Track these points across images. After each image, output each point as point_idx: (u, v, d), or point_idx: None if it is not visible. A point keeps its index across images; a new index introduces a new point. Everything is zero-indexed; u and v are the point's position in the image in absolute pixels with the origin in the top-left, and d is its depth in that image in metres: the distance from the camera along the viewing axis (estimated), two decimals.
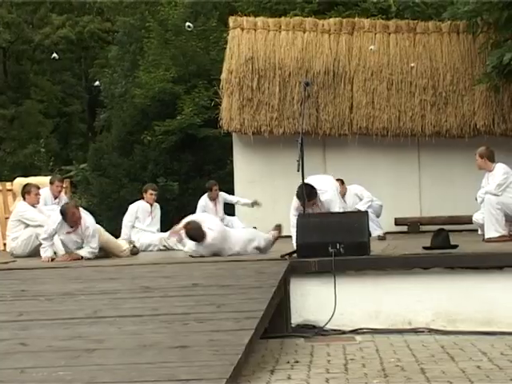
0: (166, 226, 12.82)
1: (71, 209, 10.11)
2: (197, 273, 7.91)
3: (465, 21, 15.82)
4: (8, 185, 14.69)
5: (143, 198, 12.75)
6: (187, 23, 16.05)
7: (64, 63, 35.38)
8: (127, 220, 12.54)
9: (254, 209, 14.04)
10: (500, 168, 10.65)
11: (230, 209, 14.79)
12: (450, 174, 15.66)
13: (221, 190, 14.34)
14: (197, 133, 20.99)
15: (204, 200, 13.99)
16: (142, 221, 12.42)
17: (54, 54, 17.15)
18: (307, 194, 9.75)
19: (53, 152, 33.45)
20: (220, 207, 14.00)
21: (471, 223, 14.92)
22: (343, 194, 13.11)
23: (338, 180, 13.33)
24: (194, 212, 14.26)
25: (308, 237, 8.40)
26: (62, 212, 10.04)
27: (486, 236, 10.41)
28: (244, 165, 15.88)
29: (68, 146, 35.88)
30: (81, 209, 10.45)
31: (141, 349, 4.74)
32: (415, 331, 7.78)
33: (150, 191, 12.78)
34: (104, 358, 4.54)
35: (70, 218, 10.01)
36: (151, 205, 12.70)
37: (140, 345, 4.83)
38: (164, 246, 12.16)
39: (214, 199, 13.95)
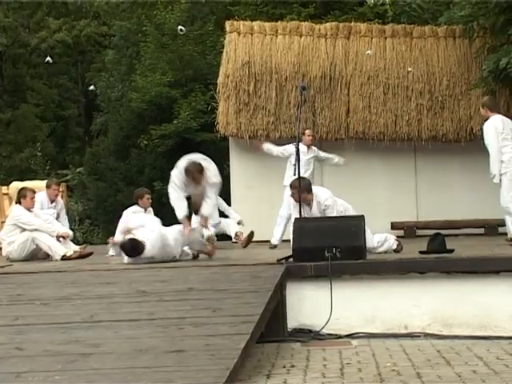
0: None
1: (194, 173, 9.91)
2: (192, 277, 7.91)
3: (461, 25, 15.84)
4: (4, 189, 14.69)
5: (138, 204, 12.70)
6: (179, 27, 16.07)
7: (60, 67, 35.40)
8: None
9: (250, 213, 14.03)
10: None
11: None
12: (447, 179, 15.68)
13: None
14: (193, 137, 21.01)
15: None
16: None
17: (48, 58, 17.15)
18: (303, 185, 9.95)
19: (49, 156, 33.46)
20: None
21: (468, 227, 15.01)
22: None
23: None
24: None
25: (304, 241, 8.41)
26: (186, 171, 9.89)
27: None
28: (240, 169, 15.89)
29: (64, 150, 35.88)
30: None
31: (137, 353, 4.73)
32: (411, 336, 7.78)
33: (147, 195, 12.76)
34: (100, 363, 4.54)
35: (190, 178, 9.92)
36: (145, 209, 12.67)
37: (136, 349, 4.83)
38: None
39: None
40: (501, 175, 10.39)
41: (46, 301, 6.80)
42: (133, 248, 9.53)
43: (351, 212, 10.24)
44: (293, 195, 10.14)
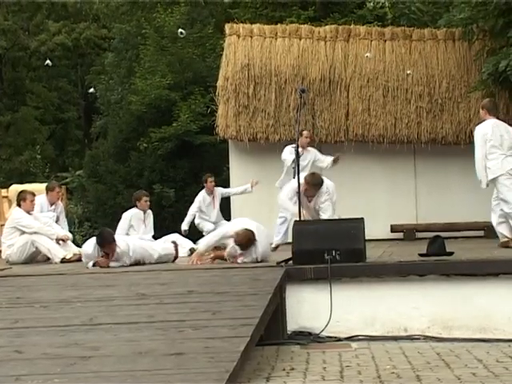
0: (160, 232, 12.82)
1: (244, 238, 9.10)
2: (192, 280, 7.90)
3: (460, 28, 15.85)
4: (3, 192, 14.69)
5: (136, 206, 12.69)
6: (179, 30, 16.09)
7: (60, 70, 35.42)
8: (121, 228, 12.51)
9: (250, 216, 13.98)
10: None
11: (226, 215, 14.78)
12: (446, 181, 15.68)
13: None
14: (193, 140, 21.01)
15: (201, 195, 14.01)
16: (136, 229, 12.39)
17: (48, 61, 17.14)
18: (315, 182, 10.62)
19: (49, 159, 33.48)
20: (217, 201, 14.04)
21: (467, 230, 15.01)
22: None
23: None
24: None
25: (304, 244, 8.41)
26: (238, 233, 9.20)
27: None
28: (240, 171, 15.89)
29: (64, 153, 35.90)
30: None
31: (136, 356, 4.73)
32: (411, 338, 7.79)
33: (145, 198, 12.76)
34: (100, 366, 4.53)
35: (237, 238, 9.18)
36: (144, 212, 12.66)
37: (136, 352, 4.82)
38: None
39: (211, 192, 13.91)
40: (491, 181, 10.38)
41: (45, 304, 6.79)
42: (103, 235, 9.71)
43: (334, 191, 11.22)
44: (305, 190, 10.56)
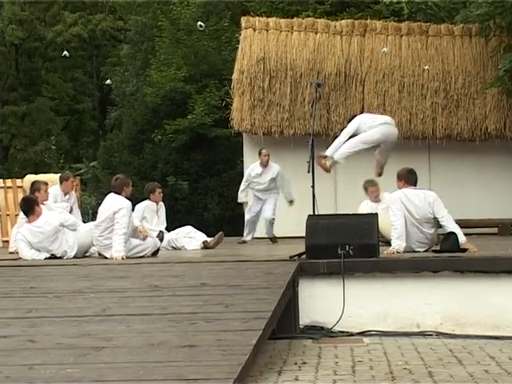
0: (174, 224, 12.83)
1: None
2: (205, 272, 7.91)
3: (477, 24, 15.80)
4: (18, 182, 14.77)
5: (149, 199, 12.64)
6: (199, 22, 16.10)
7: (76, 61, 35.42)
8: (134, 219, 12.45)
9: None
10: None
11: (240, 219, 14.76)
12: (461, 178, 15.63)
13: (231, 190, 14.28)
14: (207, 132, 21.02)
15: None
16: (149, 220, 12.36)
17: (65, 52, 17.14)
18: None
19: (63, 149, 33.56)
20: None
21: (481, 227, 14.96)
22: None
23: None
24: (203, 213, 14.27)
25: (317, 238, 8.40)
26: None
27: None
28: None
29: (78, 144, 35.95)
30: None
31: (149, 347, 4.74)
32: (423, 334, 7.76)
33: (158, 190, 12.71)
34: (112, 356, 4.55)
35: None
36: (157, 203, 12.63)
37: (148, 343, 4.83)
38: (172, 246, 12.16)
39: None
40: None
41: (58, 294, 6.82)
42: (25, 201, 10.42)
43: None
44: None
